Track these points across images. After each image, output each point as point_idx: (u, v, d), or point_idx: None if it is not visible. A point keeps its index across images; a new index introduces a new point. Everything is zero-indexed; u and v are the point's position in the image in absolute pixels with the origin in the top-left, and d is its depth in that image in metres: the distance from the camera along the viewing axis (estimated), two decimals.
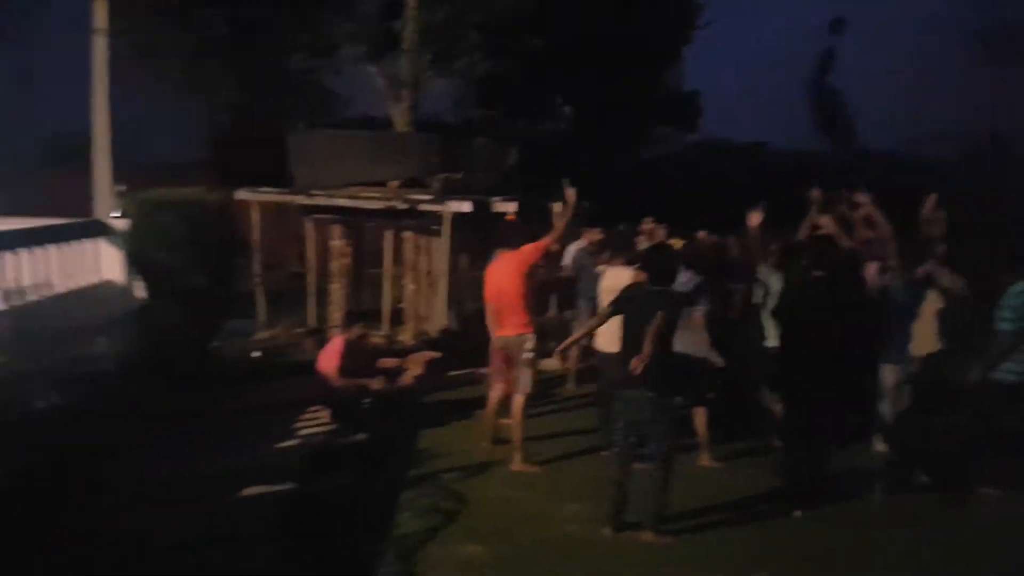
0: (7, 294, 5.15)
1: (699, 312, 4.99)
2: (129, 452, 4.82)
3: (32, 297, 5.44)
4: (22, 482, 3.97)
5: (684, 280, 4.79)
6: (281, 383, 6.63)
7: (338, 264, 8.47)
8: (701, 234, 6.71)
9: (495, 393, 5.41)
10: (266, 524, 4.21)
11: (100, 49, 6.95)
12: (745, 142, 16.64)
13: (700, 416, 5.02)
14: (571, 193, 5.17)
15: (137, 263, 6.86)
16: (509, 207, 7.48)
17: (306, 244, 8.62)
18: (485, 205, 7.75)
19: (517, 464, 5.01)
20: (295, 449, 5.43)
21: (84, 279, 6.42)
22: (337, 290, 8.44)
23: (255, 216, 8.46)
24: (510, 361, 5.20)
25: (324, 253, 8.53)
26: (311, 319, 8.36)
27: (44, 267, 5.82)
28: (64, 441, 4.34)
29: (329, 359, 6.04)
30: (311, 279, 8.53)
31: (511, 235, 5.48)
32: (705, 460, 5.03)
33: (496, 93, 12.39)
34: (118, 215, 6.97)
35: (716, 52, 16.96)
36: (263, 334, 8.23)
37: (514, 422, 5.12)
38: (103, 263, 6.74)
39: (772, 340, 4.95)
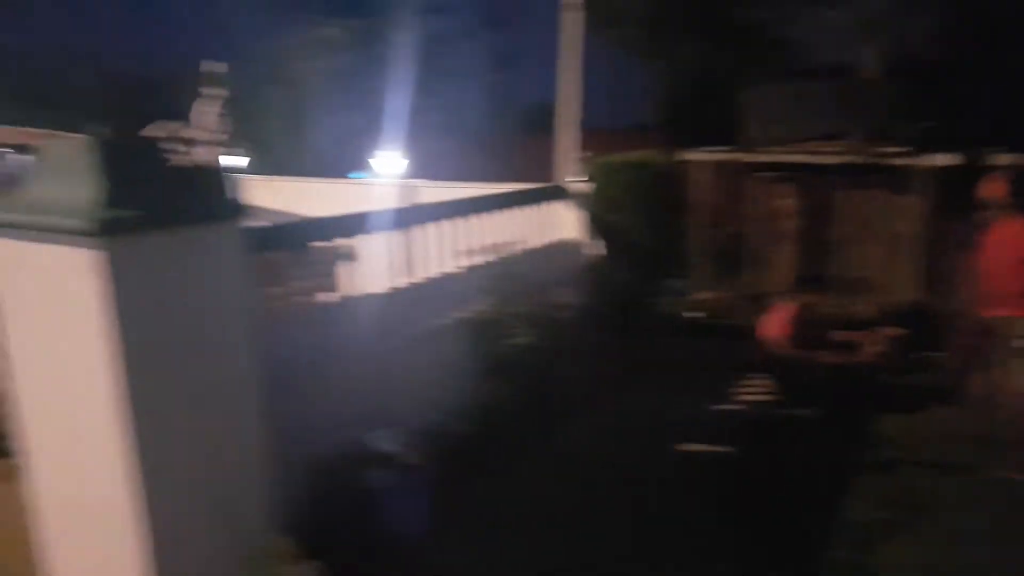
0: (494, 248, 6.30)
1: None
2: (585, 390, 5.52)
3: (511, 251, 6.54)
4: (506, 405, 4.89)
5: None
6: (720, 346, 6.76)
7: (786, 225, 8.21)
8: None
9: (977, 382, 4.71)
10: (703, 482, 4.42)
11: (569, 23, 7.89)
12: None
13: None
14: None
15: (596, 223, 7.73)
16: (1010, 161, 6.26)
17: (751, 204, 8.55)
18: (976, 159, 6.63)
19: (1014, 470, 4.28)
20: (734, 413, 5.53)
21: (549, 237, 7.47)
22: (785, 253, 8.20)
23: (701, 176, 8.70)
24: (999, 346, 4.46)
25: (771, 213, 8.35)
26: (755, 283, 8.30)
27: (519, 225, 6.93)
28: (537, 375, 5.20)
29: (775, 326, 5.97)
30: (756, 241, 8.44)
31: (1015, 196, 4.59)
32: None
33: (987, 29, 10.35)
34: (580, 179, 7.90)
35: None
36: (703, 295, 8.48)
37: (1013, 419, 4.39)
38: (565, 223, 7.74)
39: None
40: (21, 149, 17.50)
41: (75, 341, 2.66)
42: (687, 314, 7.99)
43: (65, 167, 2.68)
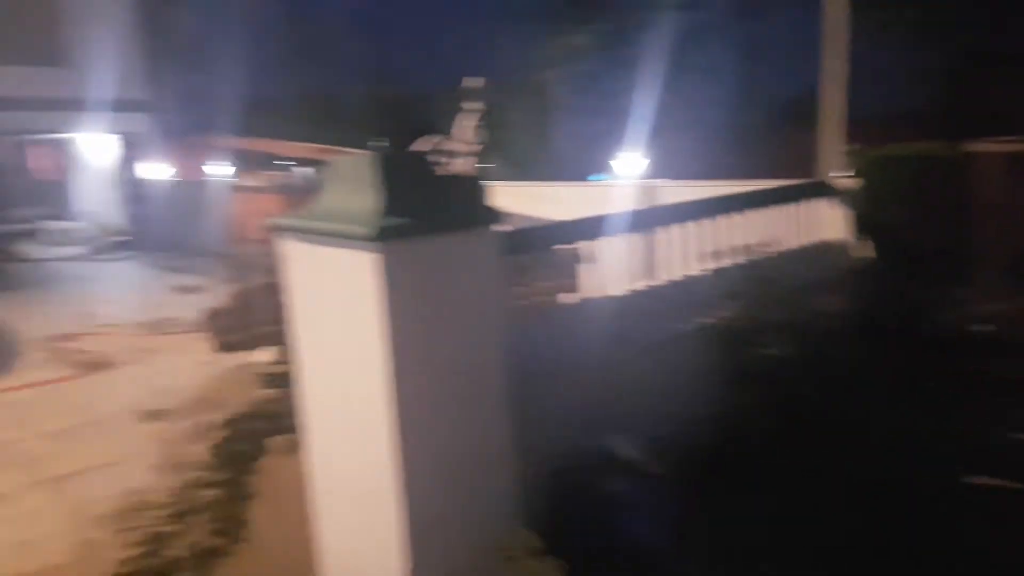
0: (745, 249, 6.07)
1: None
2: (848, 408, 5.10)
3: (764, 252, 6.26)
4: (755, 420, 4.69)
5: None
6: (1015, 365, 5.91)
7: None
8: None
9: None
10: (994, 523, 3.91)
11: (833, 7, 7.38)
12: None
13: None
14: None
15: (863, 222, 7.16)
16: None
17: None
18: None
19: None
20: None
21: (808, 237, 7.03)
22: None
23: (991, 170, 7.70)
24: None
25: None
26: None
27: (774, 225, 6.61)
28: (790, 389, 4.92)
29: None
30: None
31: None
32: None
33: None
34: (845, 174, 7.37)
35: None
36: (994, 305, 7.47)
37: None
38: (827, 222, 7.24)
39: None
40: (303, 162, 20.39)
41: (354, 333, 3.05)
42: (974, 327, 7.10)
43: (351, 179, 3.09)
